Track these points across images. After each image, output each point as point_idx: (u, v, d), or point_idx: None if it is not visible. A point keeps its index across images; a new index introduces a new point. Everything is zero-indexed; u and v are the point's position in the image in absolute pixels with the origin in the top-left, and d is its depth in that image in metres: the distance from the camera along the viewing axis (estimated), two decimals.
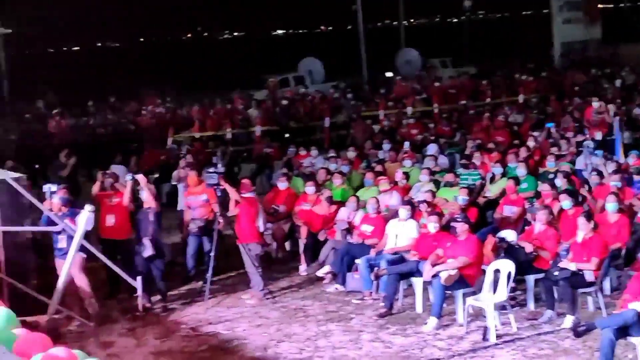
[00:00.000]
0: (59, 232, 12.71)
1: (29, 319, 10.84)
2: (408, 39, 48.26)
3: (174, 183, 17.75)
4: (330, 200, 15.10)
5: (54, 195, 12.97)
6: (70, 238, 12.44)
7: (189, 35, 60.13)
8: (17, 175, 13.29)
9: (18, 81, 34.45)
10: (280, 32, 63.81)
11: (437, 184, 16.12)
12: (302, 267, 14.92)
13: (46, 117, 28.09)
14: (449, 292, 12.04)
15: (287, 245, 15.91)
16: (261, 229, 13.97)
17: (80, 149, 21.00)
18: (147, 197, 13.60)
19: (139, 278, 12.90)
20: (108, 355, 11.01)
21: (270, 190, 17.42)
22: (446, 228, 13.03)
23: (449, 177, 16.04)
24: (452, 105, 28.68)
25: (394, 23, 54.46)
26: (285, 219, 15.67)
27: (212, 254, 13.52)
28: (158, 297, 13.45)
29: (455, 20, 65.10)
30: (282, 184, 16.13)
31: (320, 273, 14.16)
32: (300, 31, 61.67)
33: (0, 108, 33.05)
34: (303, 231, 15.03)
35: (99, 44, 57.61)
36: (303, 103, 29.97)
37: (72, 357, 5.45)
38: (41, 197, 13.22)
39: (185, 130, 26.03)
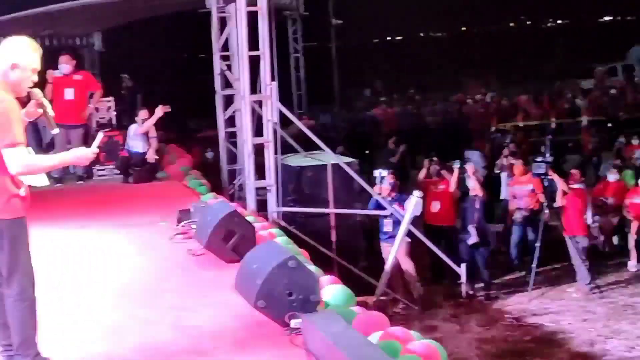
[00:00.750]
0: (385, 216, 13.05)
1: (358, 298, 11.23)
2: None
3: (496, 172, 17.67)
4: (636, 191, 14.44)
5: (384, 180, 13.33)
6: (396, 222, 12.73)
7: (513, 24, 59.37)
8: (349, 160, 13.81)
9: (347, 70, 35.69)
10: (607, 19, 61.33)
11: None
12: (632, 263, 14.35)
13: (373, 105, 28.96)
14: None
15: (615, 239, 15.35)
16: (589, 222, 13.62)
17: (405, 136, 21.38)
18: (474, 185, 13.64)
19: (463, 265, 13.00)
20: (432, 339, 11.15)
21: (597, 182, 16.89)
22: None
23: None
24: None
25: None
26: (614, 212, 15.15)
27: (537, 244, 13.32)
28: (481, 284, 13.48)
29: None
30: (612, 176, 15.61)
31: None
32: (629, 18, 58.91)
33: (331, 96, 34.44)
34: (633, 226, 14.44)
35: (422, 34, 58.41)
36: (633, 93, 28.76)
37: (410, 337, 5.59)
38: (369, 182, 13.65)
39: (509, 119, 25.81)
